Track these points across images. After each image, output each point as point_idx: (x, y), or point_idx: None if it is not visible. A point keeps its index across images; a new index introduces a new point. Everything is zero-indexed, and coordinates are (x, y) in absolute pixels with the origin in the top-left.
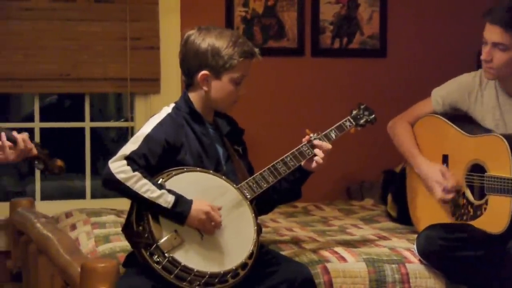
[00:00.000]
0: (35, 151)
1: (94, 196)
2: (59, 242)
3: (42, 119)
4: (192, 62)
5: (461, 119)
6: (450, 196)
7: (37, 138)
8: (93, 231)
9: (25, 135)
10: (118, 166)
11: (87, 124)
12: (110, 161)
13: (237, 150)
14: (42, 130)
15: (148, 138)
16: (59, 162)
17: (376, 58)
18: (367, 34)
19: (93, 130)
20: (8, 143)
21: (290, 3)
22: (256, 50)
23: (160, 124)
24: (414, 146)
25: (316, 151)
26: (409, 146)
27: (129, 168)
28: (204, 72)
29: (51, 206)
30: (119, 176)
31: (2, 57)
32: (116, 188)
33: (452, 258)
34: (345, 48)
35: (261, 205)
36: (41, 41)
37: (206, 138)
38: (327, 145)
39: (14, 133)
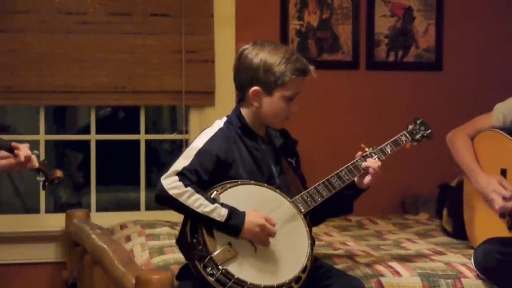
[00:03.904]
0: (36, 163)
1: (148, 208)
2: (114, 253)
3: (96, 131)
4: (244, 77)
5: None
6: (510, 204)
7: (92, 150)
8: (147, 243)
9: (25, 146)
10: (170, 182)
11: (142, 137)
12: (162, 178)
13: (290, 163)
14: (97, 142)
15: (199, 154)
16: (58, 173)
17: (432, 71)
18: (422, 47)
19: (147, 142)
20: (4, 153)
21: (345, 16)
22: (311, 67)
23: (212, 139)
24: (473, 160)
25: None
26: (468, 160)
27: (181, 183)
28: (255, 88)
29: (106, 218)
30: (172, 192)
31: (59, 69)
32: (169, 203)
33: (510, 273)
34: (400, 61)
35: (312, 217)
36: (97, 54)
37: (258, 153)
38: (374, 163)
39: (13, 144)
